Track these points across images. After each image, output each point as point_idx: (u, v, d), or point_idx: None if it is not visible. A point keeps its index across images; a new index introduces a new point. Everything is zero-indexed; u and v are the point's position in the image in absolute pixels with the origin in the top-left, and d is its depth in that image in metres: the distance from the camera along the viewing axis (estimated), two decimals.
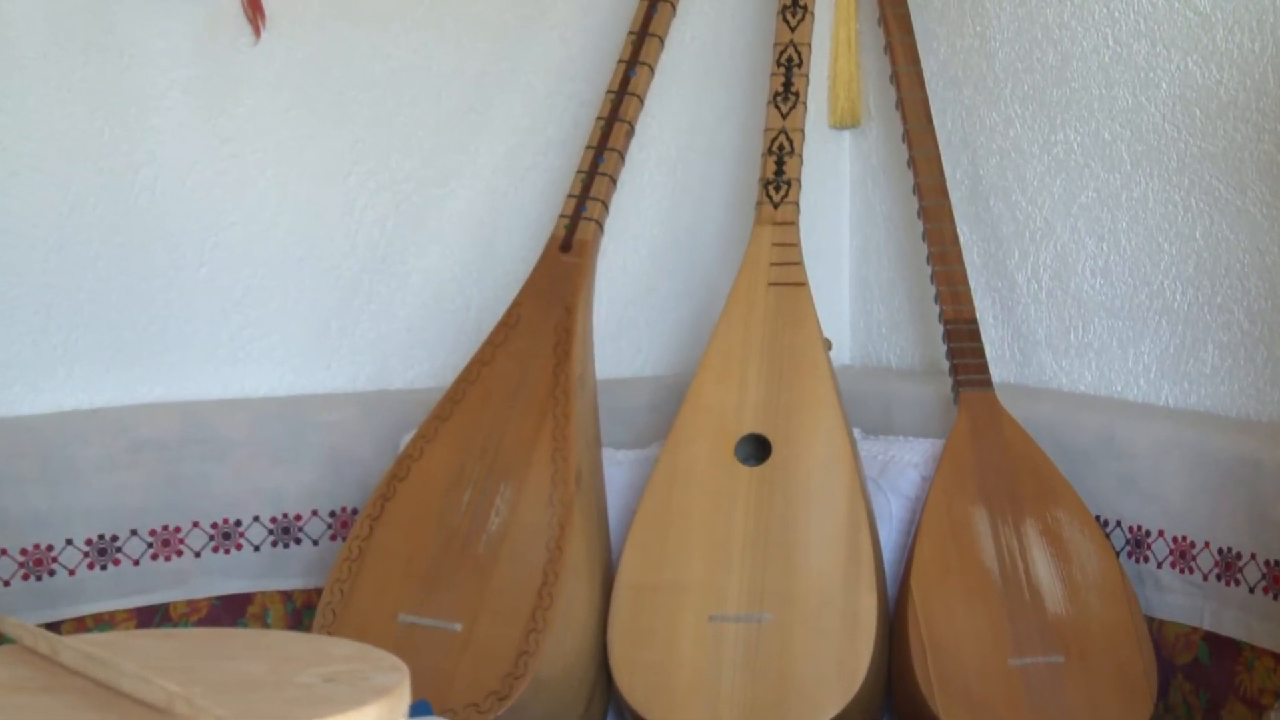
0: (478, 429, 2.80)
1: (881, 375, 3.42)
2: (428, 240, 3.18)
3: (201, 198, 2.99)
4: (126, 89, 2.91)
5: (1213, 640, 2.67)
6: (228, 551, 2.92)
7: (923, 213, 3.04)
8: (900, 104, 3.11)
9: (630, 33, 3.06)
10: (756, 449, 2.81)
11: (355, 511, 2.99)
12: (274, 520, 2.96)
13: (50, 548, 2.80)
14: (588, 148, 3.01)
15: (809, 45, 3.03)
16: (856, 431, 2.98)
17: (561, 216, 2.98)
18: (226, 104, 2.99)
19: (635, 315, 3.38)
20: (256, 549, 2.95)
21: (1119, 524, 2.81)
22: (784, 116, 2.99)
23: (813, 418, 2.80)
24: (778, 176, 2.96)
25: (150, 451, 2.87)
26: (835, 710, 2.59)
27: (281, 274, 3.07)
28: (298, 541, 2.97)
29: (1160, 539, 2.74)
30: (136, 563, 2.86)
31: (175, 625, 2.89)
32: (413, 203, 3.16)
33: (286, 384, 3.09)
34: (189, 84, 2.96)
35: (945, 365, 2.98)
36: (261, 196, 3.04)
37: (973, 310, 2.99)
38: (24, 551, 2.78)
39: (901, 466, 2.94)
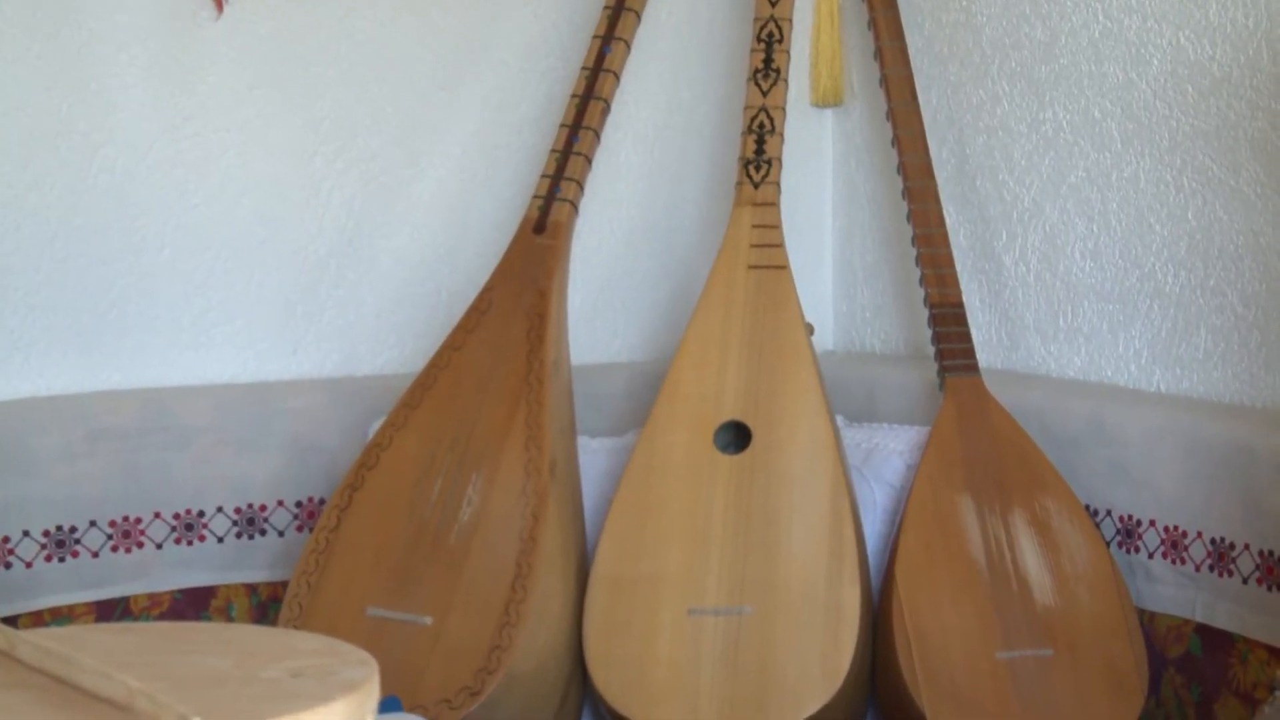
0: (449, 416, 2.80)
1: (865, 361, 3.42)
2: (397, 221, 3.18)
3: (163, 177, 2.98)
4: (85, 65, 2.90)
5: (1205, 633, 2.68)
6: (190, 543, 2.92)
7: (907, 193, 3.04)
8: (884, 81, 3.11)
9: (605, 7, 3.06)
10: (736, 437, 2.81)
11: (322, 502, 2.98)
12: (238, 511, 2.95)
13: (6, 539, 2.79)
14: (562, 126, 3.01)
15: (790, 20, 3.03)
16: (839, 418, 2.98)
17: (535, 197, 2.97)
18: (188, 81, 2.98)
19: (611, 299, 3.38)
20: (220, 540, 2.94)
21: (1109, 513, 2.81)
22: (764, 94, 2.99)
23: (794, 404, 2.80)
24: (758, 156, 2.96)
25: (110, 440, 2.86)
26: (818, 705, 2.59)
27: (245, 256, 3.06)
28: (263, 533, 2.97)
29: (1151, 529, 2.75)
30: (96, 555, 2.85)
31: (136, 619, 2.88)
32: (381, 183, 3.15)
33: (251, 370, 3.09)
34: (150, 60, 2.95)
35: (931, 350, 2.99)
36: (224, 176, 3.03)
37: (959, 294, 2.99)
38: None
39: (886, 454, 2.94)
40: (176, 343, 3.02)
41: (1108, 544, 2.78)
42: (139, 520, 2.88)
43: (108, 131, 2.93)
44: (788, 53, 3.01)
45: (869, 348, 3.50)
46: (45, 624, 2.79)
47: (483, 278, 2.93)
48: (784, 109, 2.99)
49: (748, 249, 2.90)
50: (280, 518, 2.98)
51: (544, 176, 2.98)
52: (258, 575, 2.98)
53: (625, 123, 3.31)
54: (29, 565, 2.80)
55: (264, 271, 3.08)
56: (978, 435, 2.83)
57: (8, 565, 2.78)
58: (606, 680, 2.66)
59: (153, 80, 2.95)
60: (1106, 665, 2.66)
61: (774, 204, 2.93)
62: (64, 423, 2.84)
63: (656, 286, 3.41)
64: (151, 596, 2.90)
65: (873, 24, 3.15)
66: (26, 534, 2.80)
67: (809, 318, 2.90)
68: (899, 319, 3.42)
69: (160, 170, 2.98)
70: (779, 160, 2.96)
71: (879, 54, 3.13)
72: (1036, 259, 3.12)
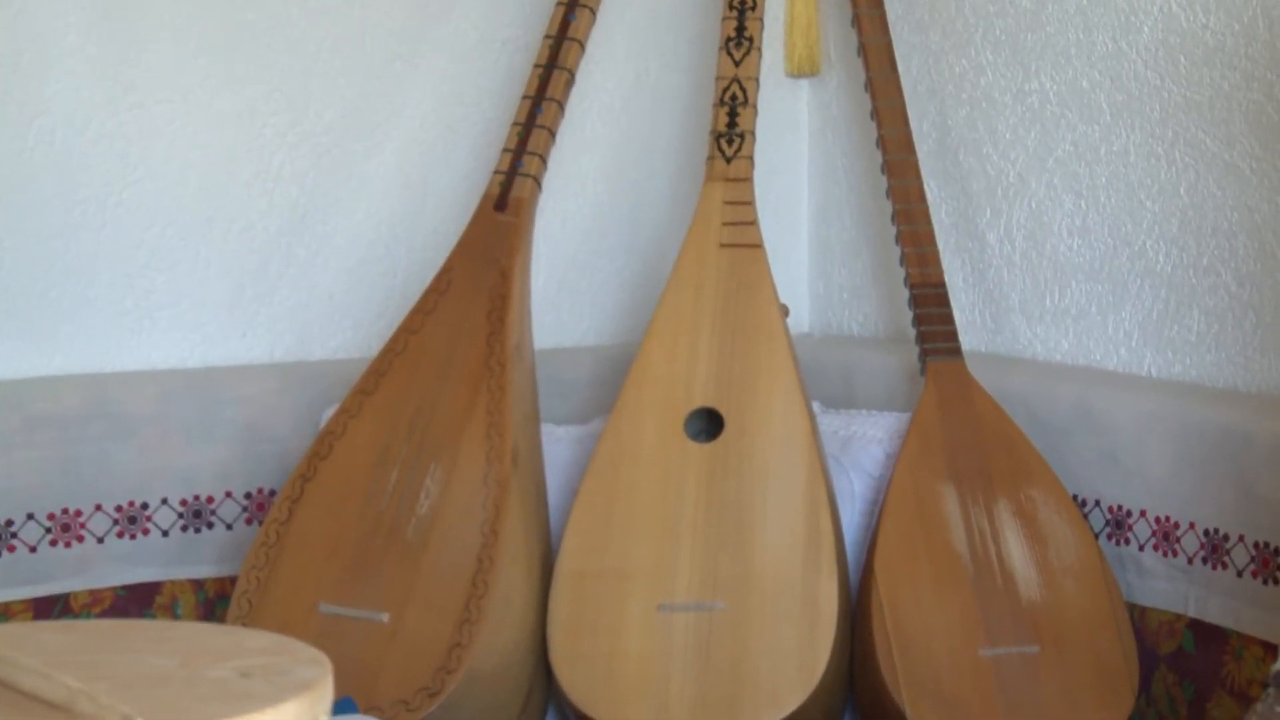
0: (406, 403, 2.80)
1: (843, 344, 3.43)
2: (351, 198, 3.17)
3: (103, 151, 2.97)
4: (20, 33, 2.89)
5: (1198, 628, 2.69)
6: (133, 537, 2.91)
7: (887, 168, 3.05)
8: (862, 50, 3.11)
9: None
10: (708, 424, 2.81)
11: (273, 493, 2.98)
12: (184, 503, 2.95)
13: None
14: (524, 98, 3.00)
15: None
16: (816, 405, 2.99)
17: (496, 172, 2.97)
18: (130, 50, 2.97)
19: (576, 280, 3.38)
20: (165, 534, 2.93)
21: (1098, 504, 2.82)
22: (737, 64, 2.99)
23: (768, 390, 2.80)
24: (730, 129, 2.96)
25: (48, 429, 2.85)
26: (794, 705, 2.60)
27: (191, 235, 3.05)
28: (210, 526, 2.96)
29: (1142, 519, 2.76)
30: (34, 549, 2.84)
31: (76, 617, 2.87)
32: (334, 157, 3.15)
33: (198, 355, 3.08)
34: (89, 27, 2.93)
35: (911, 333, 2.99)
36: (168, 150, 3.02)
37: (941, 273, 2.99)
38: None
39: (864, 442, 2.95)
40: (118, 326, 3.02)
41: (1096, 536, 2.79)
42: (79, 513, 2.88)
43: (45, 102, 2.91)
44: (761, 20, 3.01)
45: (847, 330, 3.50)
46: None
47: (441, 257, 2.93)
48: (757, 80, 2.99)
49: (719, 227, 2.90)
50: (228, 510, 2.98)
51: (505, 151, 2.98)
52: (204, 570, 2.97)
53: (591, 94, 3.31)
54: None
55: (211, 251, 3.07)
56: (960, 422, 2.84)
57: None
58: (572, 680, 2.66)
59: (92, 48, 2.94)
60: (1095, 662, 2.67)
61: (747, 179, 2.93)
62: None
63: (624, 266, 3.41)
64: (92, 593, 2.90)
65: None
66: None
67: (784, 299, 2.90)
68: (878, 300, 3.43)
69: (101, 143, 2.96)
70: (752, 133, 2.96)
71: (856, 21, 3.13)
72: (1022, 237, 3.13)
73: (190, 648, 1.85)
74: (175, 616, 2.95)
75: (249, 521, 2.98)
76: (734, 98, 2.98)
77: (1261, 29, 2.71)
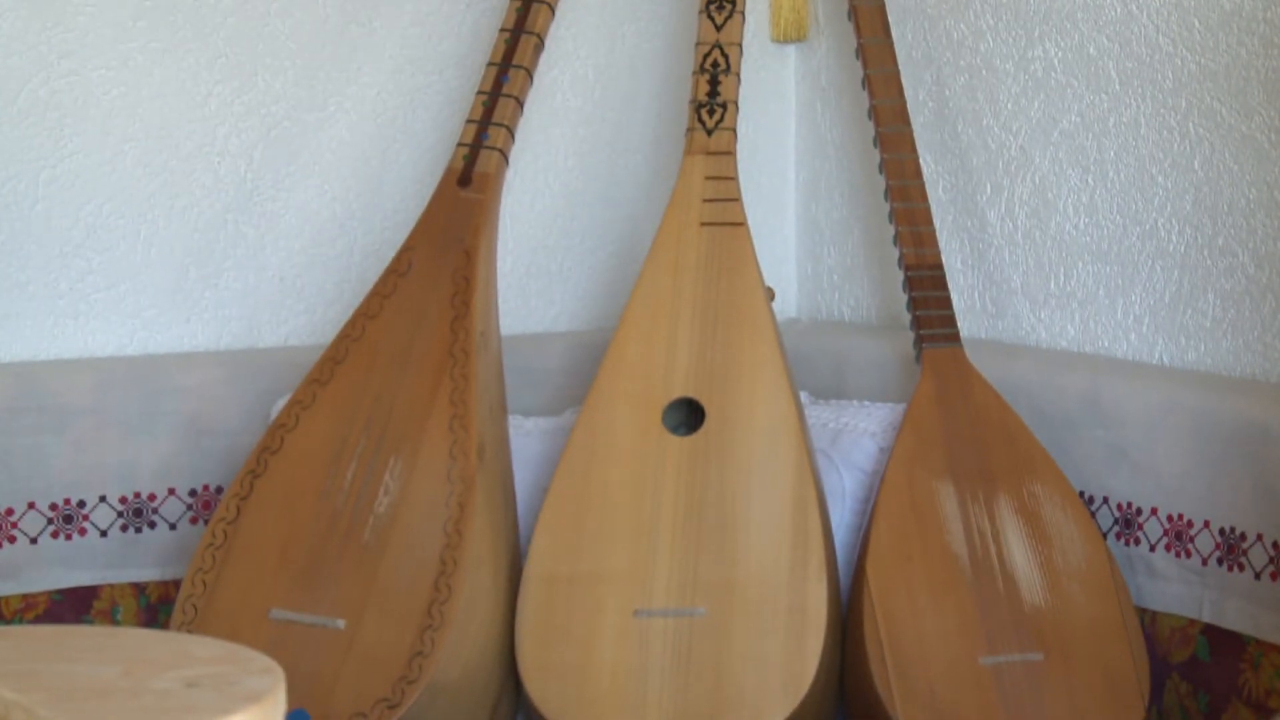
0: (363, 394, 2.80)
1: (832, 330, 3.44)
2: (303, 173, 3.17)
3: (35, 122, 2.97)
4: None
5: (1213, 634, 2.70)
6: (69, 537, 2.92)
7: (880, 141, 3.06)
8: (853, 13, 3.12)
9: None
10: (687, 416, 2.82)
11: (219, 490, 2.99)
12: (124, 501, 2.95)
13: None
14: (490, 64, 3.01)
15: None
16: (804, 395, 3.00)
17: (459, 145, 2.97)
18: (64, 12, 2.97)
19: (546, 261, 3.38)
20: (103, 534, 2.94)
21: (1106, 501, 2.84)
22: (719, 28, 3.00)
23: (752, 380, 2.81)
24: (711, 99, 2.97)
25: None
26: (780, 717, 2.61)
27: (131, 212, 3.06)
28: (152, 525, 2.97)
29: (1153, 518, 2.77)
30: None
31: (8, 623, 2.88)
32: (285, 129, 3.15)
33: (138, 342, 3.08)
34: None
35: (906, 318, 3.00)
36: (106, 121, 3.02)
37: (938, 254, 3.01)
38: None
39: (856, 435, 2.96)
40: (52, 310, 3.02)
41: (1104, 535, 2.81)
42: (10, 512, 2.88)
43: None
44: None
45: (836, 315, 3.51)
46: None
47: (400, 236, 2.94)
48: (741, 45, 3.00)
49: (700, 204, 2.91)
50: (172, 508, 2.98)
51: (470, 122, 2.98)
52: (146, 574, 2.98)
53: (561, 61, 3.32)
54: None
55: (152, 230, 3.07)
56: (959, 413, 2.85)
57: None
58: (543, 691, 2.67)
59: (22, 11, 2.94)
60: (1103, 671, 2.68)
61: (730, 153, 2.94)
62: None
63: (597, 247, 3.42)
64: (25, 598, 2.90)
65: None
66: None
67: (769, 281, 2.91)
68: (870, 283, 3.44)
69: (32, 114, 2.97)
70: (735, 104, 2.97)
71: None
72: (1025, 215, 3.14)
73: (133, 656, 1.85)
74: (115, 623, 2.96)
75: (194, 521, 2.99)
76: (715, 65, 2.98)
77: None
